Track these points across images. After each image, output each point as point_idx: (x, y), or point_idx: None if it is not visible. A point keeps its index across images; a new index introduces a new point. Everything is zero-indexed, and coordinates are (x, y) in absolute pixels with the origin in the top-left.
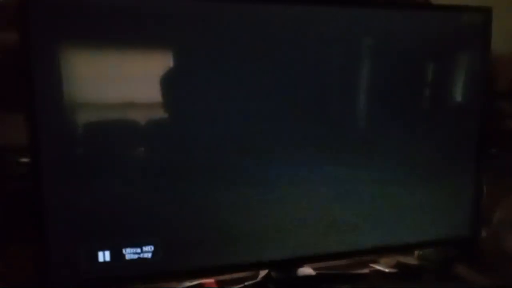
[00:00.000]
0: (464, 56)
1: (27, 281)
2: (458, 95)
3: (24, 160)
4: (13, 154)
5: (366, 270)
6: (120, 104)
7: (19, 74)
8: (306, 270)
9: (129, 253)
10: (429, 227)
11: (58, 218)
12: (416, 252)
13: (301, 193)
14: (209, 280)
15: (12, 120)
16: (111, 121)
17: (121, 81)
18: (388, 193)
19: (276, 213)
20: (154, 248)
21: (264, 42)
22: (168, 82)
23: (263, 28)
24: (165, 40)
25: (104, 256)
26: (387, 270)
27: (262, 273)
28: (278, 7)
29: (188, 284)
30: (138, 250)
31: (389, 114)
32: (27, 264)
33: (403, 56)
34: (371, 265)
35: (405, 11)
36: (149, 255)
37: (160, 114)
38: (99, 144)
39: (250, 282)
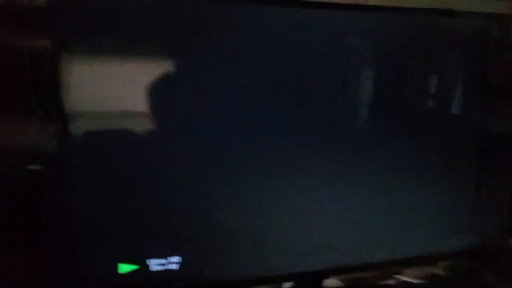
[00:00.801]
0: (467, 58)
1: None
2: (461, 98)
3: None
4: (18, 157)
5: (392, 282)
6: (135, 110)
7: (20, 76)
8: (333, 282)
9: (154, 264)
10: (456, 237)
11: (79, 225)
12: (441, 263)
13: (326, 205)
14: None
15: (14, 122)
16: (130, 127)
17: (131, 88)
18: (414, 204)
19: (301, 225)
20: (182, 259)
21: (259, 44)
22: (171, 87)
23: (258, 29)
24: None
25: (127, 267)
26: (415, 281)
27: (286, 285)
28: (272, 8)
29: None
30: (164, 261)
31: (404, 120)
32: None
33: (406, 58)
34: (395, 276)
35: (415, 15)
36: (176, 267)
37: (178, 119)
38: (118, 149)
39: None
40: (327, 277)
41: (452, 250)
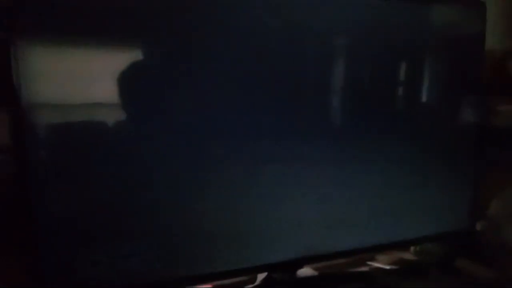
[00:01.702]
0: (460, 52)
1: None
2: (456, 91)
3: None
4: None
5: (365, 268)
6: (111, 103)
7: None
8: (306, 271)
9: (123, 260)
10: (428, 222)
11: (45, 223)
12: (412, 248)
13: (298, 194)
14: (206, 286)
15: None
16: (101, 121)
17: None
18: (386, 190)
19: (273, 215)
20: (149, 254)
21: (249, 36)
22: (143, 77)
23: (248, 21)
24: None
25: (96, 263)
26: (387, 267)
27: (260, 276)
28: None
29: None
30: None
31: (386, 110)
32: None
33: (399, 51)
34: (369, 262)
35: (396, 3)
36: (144, 262)
37: (151, 113)
38: (91, 143)
39: (249, 286)
40: (301, 267)
41: (423, 235)
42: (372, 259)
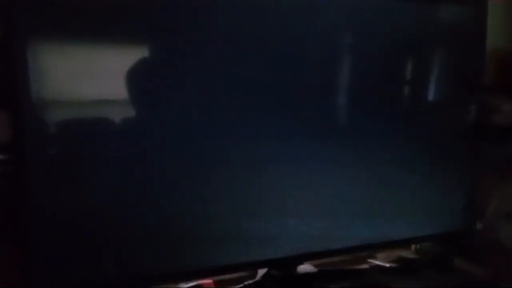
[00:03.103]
0: (459, 50)
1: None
2: (454, 89)
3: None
4: None
5: (365, 266)
6: (112, 102)
7: None
8: (307, 267)
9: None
10: (426, 221)
11: (44, 222)
12: (413, 246)
13: (298, 191)
14: (207, 281)
15: None
16: (101, 119)
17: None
18: (385, 189)
19: (274, 211)
20: (151, 248)
21: (250, 34)
22: (150, 74)
23: (248, 19)
24: (151, 34)
25: (97, 256)
26: (387, 265)
27: (261, 271)
28: None
29: (185, 285)
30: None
31: (386, 110)
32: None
33: (397, 50)
34: (369, 260)
35: (397, 3)
36: (146, 256)
37: (144, 112)
38: (86, 144)
39: (249, 282)
40: (302, 263)
41: (421, 235)
42: (373, 257)
